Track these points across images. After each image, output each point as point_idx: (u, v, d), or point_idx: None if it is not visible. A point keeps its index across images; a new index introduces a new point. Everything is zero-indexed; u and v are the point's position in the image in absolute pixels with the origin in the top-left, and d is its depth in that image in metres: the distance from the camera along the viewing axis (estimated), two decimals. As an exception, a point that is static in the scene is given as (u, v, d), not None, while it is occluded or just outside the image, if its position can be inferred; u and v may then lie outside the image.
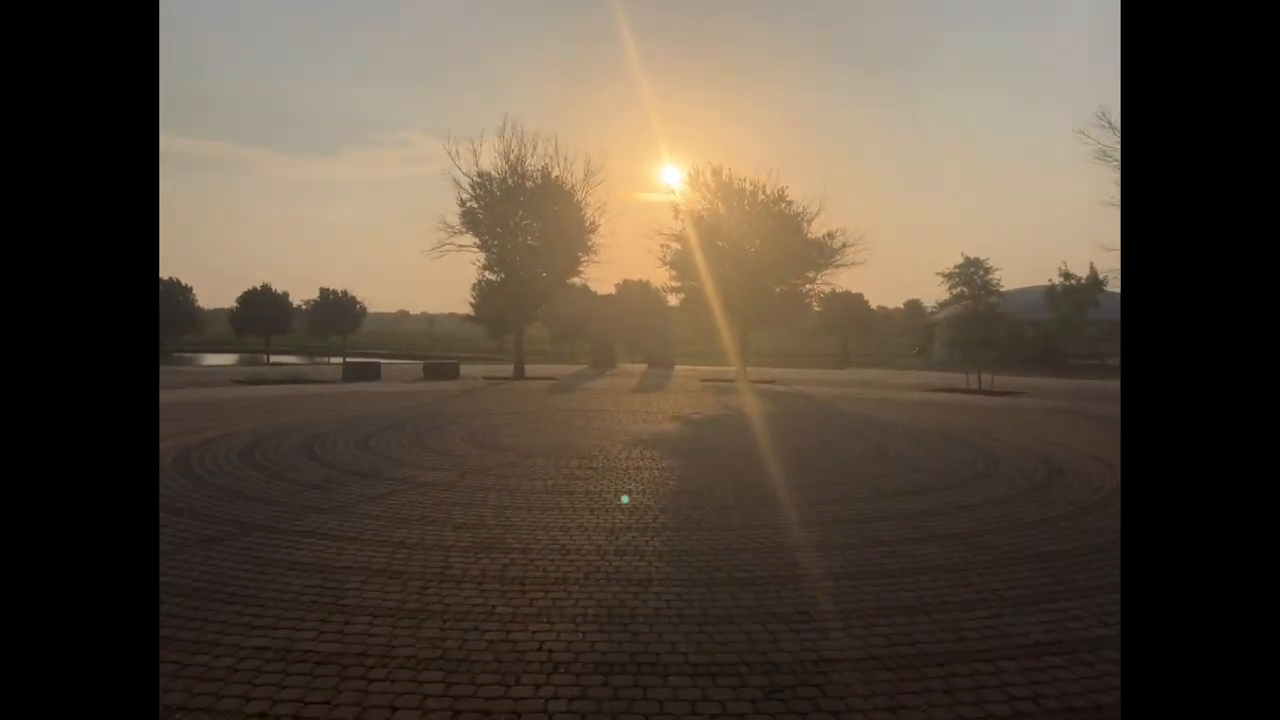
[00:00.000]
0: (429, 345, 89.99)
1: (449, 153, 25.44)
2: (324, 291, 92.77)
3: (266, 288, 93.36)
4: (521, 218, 25.76)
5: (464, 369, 31.17)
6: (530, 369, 31.96)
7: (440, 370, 25.65)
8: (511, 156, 25.54)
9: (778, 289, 26.32)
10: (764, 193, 25.52)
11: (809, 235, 25.50)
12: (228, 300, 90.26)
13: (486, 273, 26.10)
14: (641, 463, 9.58)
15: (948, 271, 24.14)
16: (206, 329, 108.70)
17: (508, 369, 27.87)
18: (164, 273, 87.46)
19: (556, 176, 25.93)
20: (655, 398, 19.40)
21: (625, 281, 61.27)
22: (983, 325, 23.42)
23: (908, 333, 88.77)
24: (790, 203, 25.57)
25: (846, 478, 8.79)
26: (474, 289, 26.45)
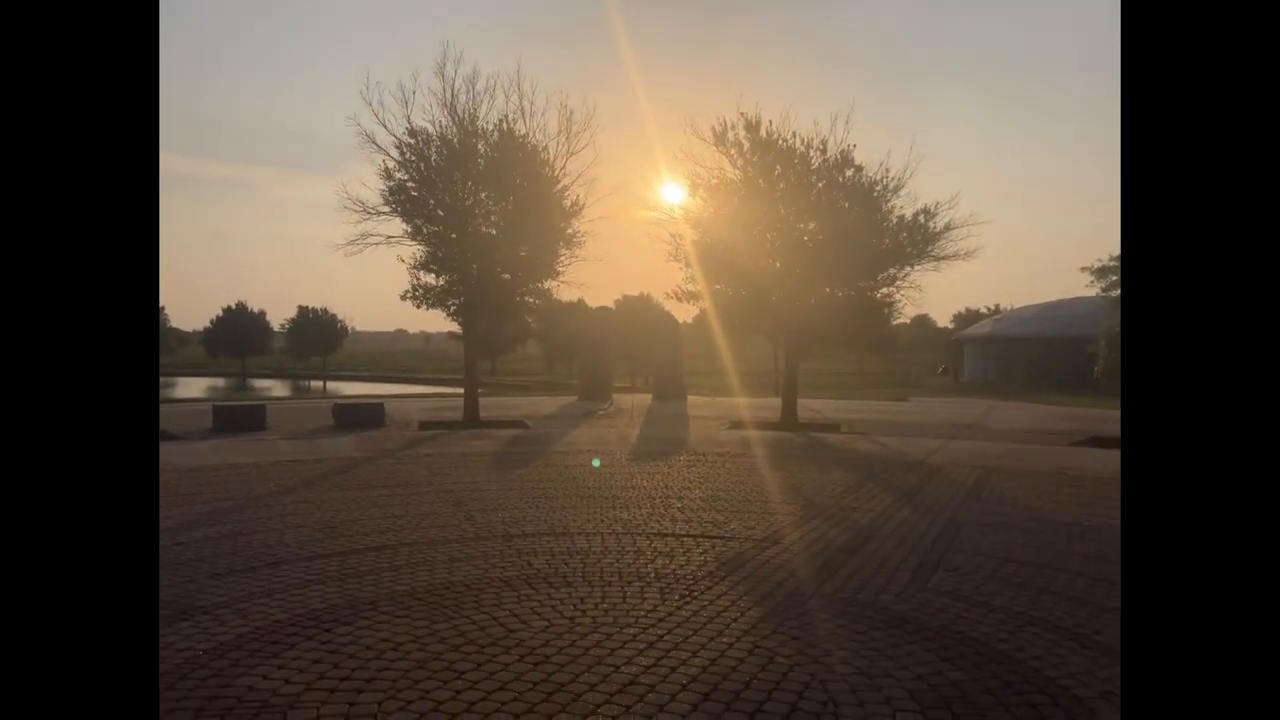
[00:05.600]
0: (416, 365, 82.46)
1: (369, 103, 17.41)
2: (302, 310, 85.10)
3: (242, 306, 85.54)
4: (472, 189, 17.79)
5: (406, 406, 23.25)
6: (499, 404, 23.98)
7: (355, 416, 17.53)
8: (459, 106, 17.60)
9: (840, 294, 18.22)
10: (823, 154, 17.41)
11: (893, 214, 17.36)
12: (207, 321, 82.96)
13: (421, 273, 17.99)
14: None
15: (1098, 266, 16.03)
16: (181, 350, 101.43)
17: (461, 406, 19.68)
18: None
19: (524, 136, 17.97)
20: (669, 475, 11.42)
21: (625, 297, 53.61)
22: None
23: (920, 348, 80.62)
24: (860, 168, 17.45)
25: None
26: (409, 297, 18.10)
